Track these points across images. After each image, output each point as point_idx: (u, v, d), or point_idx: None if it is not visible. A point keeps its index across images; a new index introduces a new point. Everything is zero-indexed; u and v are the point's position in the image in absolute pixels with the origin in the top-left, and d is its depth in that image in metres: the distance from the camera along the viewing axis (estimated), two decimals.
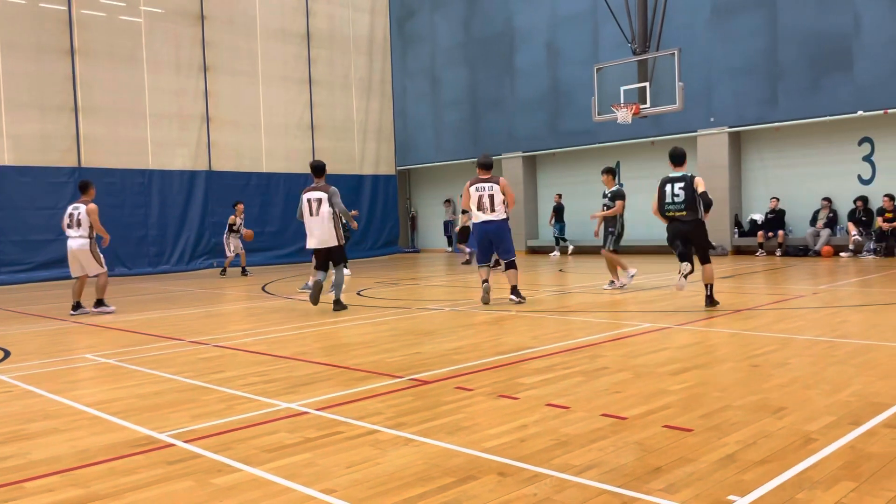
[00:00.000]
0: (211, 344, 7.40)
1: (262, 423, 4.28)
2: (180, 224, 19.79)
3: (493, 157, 23.73)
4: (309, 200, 9.76)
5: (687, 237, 8.76)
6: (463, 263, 18.70)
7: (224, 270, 18.18)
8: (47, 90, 17.64)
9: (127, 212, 18.85)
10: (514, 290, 9.89)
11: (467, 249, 18.45)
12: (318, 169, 9.89)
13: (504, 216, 9.82)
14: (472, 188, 9.83)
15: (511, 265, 9.95)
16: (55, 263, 17.42)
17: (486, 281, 9.94)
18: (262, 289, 14.00)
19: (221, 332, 8.24)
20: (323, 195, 9.70)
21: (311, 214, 9.74)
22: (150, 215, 19.28)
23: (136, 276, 18.64)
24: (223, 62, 20.53)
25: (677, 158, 9.21)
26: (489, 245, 9.95)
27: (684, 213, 8.71)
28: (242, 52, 20.96)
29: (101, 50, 18.42)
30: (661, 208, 8.98)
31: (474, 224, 10.01)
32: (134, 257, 18.98)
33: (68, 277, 16.22)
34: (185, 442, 3.96)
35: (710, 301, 8.85)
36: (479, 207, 9.76)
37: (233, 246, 17.78)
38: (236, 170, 20.84)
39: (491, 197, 9.70)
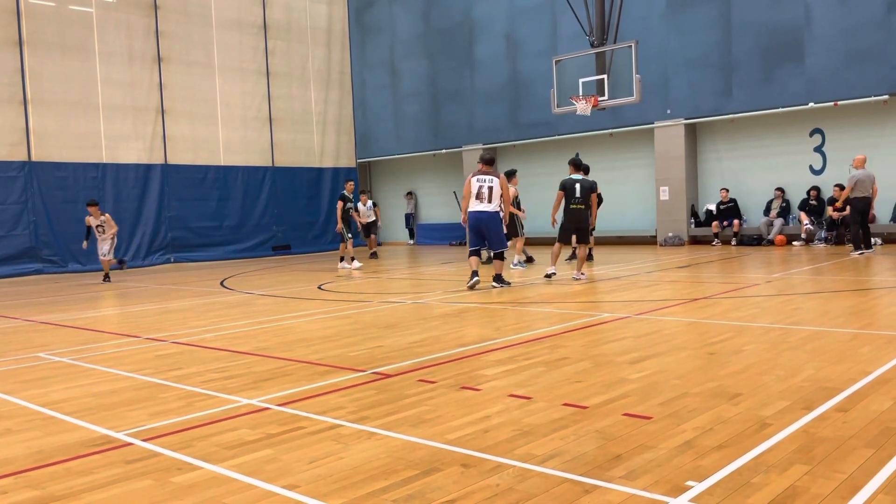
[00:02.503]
0: (168, 340, 7.28)
1: (223, 420, 4.23)
2: (135, 219, 19.39)
3: (454, 150, 24.21)
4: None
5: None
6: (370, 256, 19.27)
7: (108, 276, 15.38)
8: None
9: (80, 207, 18.33)
10: (498, 278, 10.73)
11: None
12: (489, 161, 11.35)
13: (498, 209, 10.70)
14: (474, 179, 10.64)
15: (500, 256, 10.83)
16: (7, 260, 16.99)
17: (475, 273, 10.56)
18: (221, 284, 13.82)
19: (179, 329, 8.11)
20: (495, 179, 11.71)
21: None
22: (105, 210, 18.75)
23: (91, 272, 18.23)
24: (178, 53, 20.13)
25: (586, 168, 12.24)
26: (481, 233, 10.69)
27: (581, 206, 11.30)
28: (197, 43, 20.58)
29: (50, 41, 17.93)
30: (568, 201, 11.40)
31: (469, 212, 10.70)
32: (87, 253, 18.47)
33: (21, 273, 15.94)
34: (144, 441, 3.90)
35: (573, 256, 13.87)
36: (478, 197, 10.59)
37: (106, 248, 15.00)
38: (193, 163, 20.50)
39: (490, 189, 10.55)
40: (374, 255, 19.30)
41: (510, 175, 13.89)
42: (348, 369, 5.49)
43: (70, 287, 14.60)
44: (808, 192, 17.30)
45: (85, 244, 15.09)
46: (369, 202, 19.17)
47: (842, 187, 16.52)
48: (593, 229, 13.68)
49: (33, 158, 17.67)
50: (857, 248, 13.84)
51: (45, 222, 17.80)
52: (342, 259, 16.03)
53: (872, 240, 14.23)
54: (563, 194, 11.34)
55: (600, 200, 14.09)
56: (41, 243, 17.72)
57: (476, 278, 10.50)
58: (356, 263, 15.71)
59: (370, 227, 19.25)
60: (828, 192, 17.07)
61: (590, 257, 14.36)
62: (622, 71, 15.69)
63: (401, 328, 7.45)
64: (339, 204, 15.98)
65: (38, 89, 17.73)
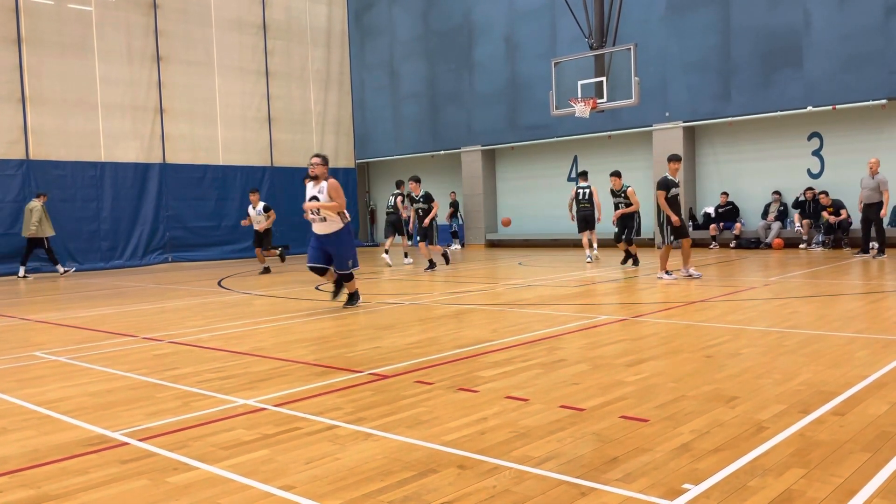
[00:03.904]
0: (165, 340, 7.27)
1: (219, 420, 4.23)
2: (133, 218, 19.39)
3: (453, 151, 24.28)
4: None
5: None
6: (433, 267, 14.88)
7: None
8: None
9: (78, 205, 18.42)
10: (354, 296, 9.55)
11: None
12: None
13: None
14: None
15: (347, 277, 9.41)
16: (4, 258, 16.94)
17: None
18: (219, 283, 13.80)
19: (176, 328, 8.10)
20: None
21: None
22: (103, 209, 18.85)
23: (88, 271, 18.22)
24: (177, 52, 20.13)
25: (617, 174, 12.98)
26: None
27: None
28: (197, 42, 20.58)
29: (49, 39, 17.92)
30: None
31: (348, 227, 9.15)
32: (85, 252, 18.55)
33: (16, 273, 15.90)
34: (140, 440, 3.89)
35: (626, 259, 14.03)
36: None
37: None
38: (192, 162, 20.49)
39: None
40: (266, 271, 15.51)
41: (617, 175, 14.00)
42: (345, 370, 5.49)
43: (67, 286, 14.57)
44: (804, 195, 17.27)
45: None
46: (260, 205, 15.28)
47: (826, 193, 16.66)
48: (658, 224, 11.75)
49: (31, 157, 17.65)
50: (881, 251, 14.13)
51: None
52: (406, 254, 17.49)
53: (871, 244, 14.29)
54: (665, 192, 11.05)
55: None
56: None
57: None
58: (408, 259, 17.09)
59: (261, 238, 15.28)
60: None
61: (630, 260, 14.07)
62: (621, 74, 15.71)
63: (398, 329, 7.44)
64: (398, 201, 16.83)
65: (36, 87, 17.72)
